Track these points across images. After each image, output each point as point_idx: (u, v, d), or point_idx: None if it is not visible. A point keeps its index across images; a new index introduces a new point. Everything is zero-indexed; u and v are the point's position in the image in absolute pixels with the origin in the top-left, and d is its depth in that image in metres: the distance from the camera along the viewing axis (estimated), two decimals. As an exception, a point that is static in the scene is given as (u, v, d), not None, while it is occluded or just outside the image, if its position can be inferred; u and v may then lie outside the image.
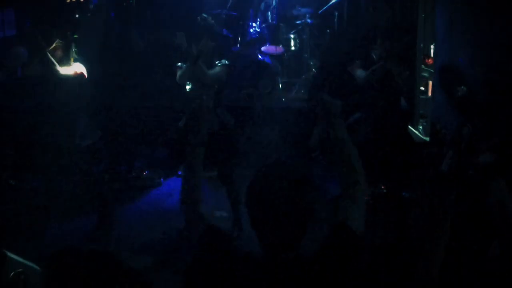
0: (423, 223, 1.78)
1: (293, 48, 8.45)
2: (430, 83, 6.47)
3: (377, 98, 4.48)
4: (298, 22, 8.41)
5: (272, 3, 8.56)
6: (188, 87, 4.73)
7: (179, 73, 4.69)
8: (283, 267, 1.79)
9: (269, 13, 8.53)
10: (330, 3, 8.28)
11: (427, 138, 6.08)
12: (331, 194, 4.82)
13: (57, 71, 4.62)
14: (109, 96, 6.22)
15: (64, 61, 4.68)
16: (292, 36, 8.40)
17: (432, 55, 6.49)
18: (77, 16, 7.50)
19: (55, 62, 4.60)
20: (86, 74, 4.89)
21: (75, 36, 5.72)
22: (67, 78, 4.69)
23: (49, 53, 4.57)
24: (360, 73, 4.50)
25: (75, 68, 4.74)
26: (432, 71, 6.35)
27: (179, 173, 6.39)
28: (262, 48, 8.15)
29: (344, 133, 2.06)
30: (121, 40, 6.38)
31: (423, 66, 6.62)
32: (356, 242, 1.85)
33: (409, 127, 5.61)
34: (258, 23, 8.40)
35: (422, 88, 6.66)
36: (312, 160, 6.39)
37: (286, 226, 1.77)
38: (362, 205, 1.97)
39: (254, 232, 1.86)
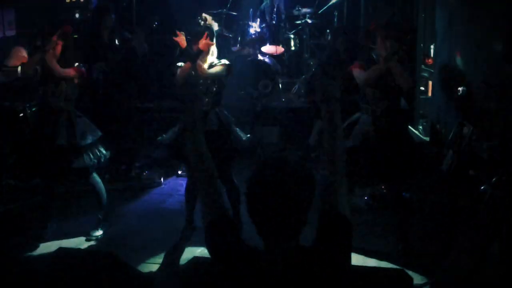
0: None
1: (293, 48, 8.46)
2: (430, 83, 6.48)
3: (377, 98, 4.46)
4: (298, 22, 8.41)
5: (272, 3, 8.56)
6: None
7: (178, 73, 4.68)
8: (283, 256, 1.83)
9: (269, 13, 8.54)
10: (330, 3, 8.30)
11: (427, 138, 6.09)
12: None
13: (57, 71, 4.61)
14: (113, 97, 6.22)
15: (64, 61, 4.67)
16: (292, 36, 8.40)
17: (432, 55, 6.50)
18: (77, 16, 7.52)
19: (55, 62, 4.60)
20: (86, 75, 4.88)
21: (75, 36, 5.72)
22: (67, 78, 4.68)
23: (49, 53, 4.56)
24: (360, 73, 4.49)
25: (75, 68, 4.73)
26: (432, 71, 6.36)
27: (179, 173, 6.39)
28: (262, 48, 8.15)
29: (339, 120, 2.09)
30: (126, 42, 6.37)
31: (423, 66, 6.64)
32: (349, 227, 1.93)
33: (409, 127, 5.61)
34: (258, 23, 8.40)
35: (422, 88, 6.67)
36: (312, 160, 6.39)
37: (286, 217, 1.81)
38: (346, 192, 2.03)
39: (254, 232, 1.88)
